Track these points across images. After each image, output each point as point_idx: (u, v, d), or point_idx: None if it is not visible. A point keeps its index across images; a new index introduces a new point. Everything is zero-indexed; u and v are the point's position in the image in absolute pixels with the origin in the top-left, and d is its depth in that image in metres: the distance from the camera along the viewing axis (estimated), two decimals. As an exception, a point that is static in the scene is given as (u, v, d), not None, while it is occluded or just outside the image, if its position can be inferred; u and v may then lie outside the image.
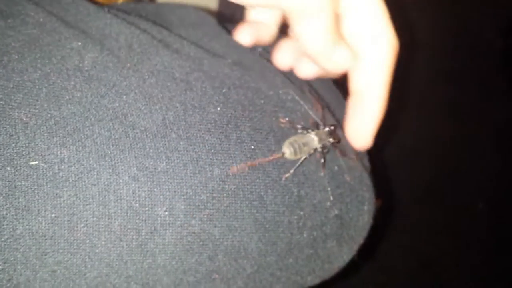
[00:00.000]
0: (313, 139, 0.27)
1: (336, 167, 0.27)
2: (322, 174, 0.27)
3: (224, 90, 0.25)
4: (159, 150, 0.22)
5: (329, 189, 0.26)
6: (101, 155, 0.21)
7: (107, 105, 0.22)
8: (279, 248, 0.25)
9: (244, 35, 0.30)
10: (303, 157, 0.26)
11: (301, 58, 0.30)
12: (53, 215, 0.21)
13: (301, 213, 0.25)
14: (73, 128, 0.21)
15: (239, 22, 0.34)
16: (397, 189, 0.81)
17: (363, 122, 0.28)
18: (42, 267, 0.21)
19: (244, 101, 0.25)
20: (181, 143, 0.22)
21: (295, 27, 0.26)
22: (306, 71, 0.30)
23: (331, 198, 0.26)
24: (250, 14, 0.32)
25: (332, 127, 0.28)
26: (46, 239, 0.21)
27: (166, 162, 0.22)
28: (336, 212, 0.27)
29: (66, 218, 0.21)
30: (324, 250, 0.27)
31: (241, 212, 0.23)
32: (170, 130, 0.22)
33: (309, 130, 0.27)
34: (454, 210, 0.84)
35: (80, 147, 0.21)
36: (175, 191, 0.22)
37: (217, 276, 0.23)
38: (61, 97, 0.21)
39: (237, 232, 0.23)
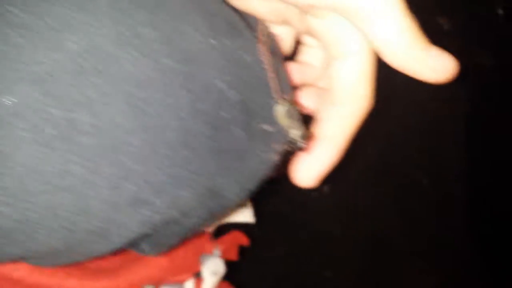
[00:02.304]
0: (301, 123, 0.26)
1: (228, 42, 0.24)
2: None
3: None
4: None
5: (224, 67, 0.23)
6: None
7: None
8: (167, 137, 0.21)
9: None
10: (295, 124, 0.25)
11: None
12: None
13: (188, 94, 0.22)
14: None
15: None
16: (338, 171, 0.83)
17: (312, 164, 0.27)
18: None
19: None
20: None
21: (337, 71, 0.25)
22: None
23: (228, 78, 0.23)
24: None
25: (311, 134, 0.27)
26: None
27: None
28: (235, 94, 0.23)
29: None
30: (228, 142, 0.23)
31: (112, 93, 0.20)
32: None
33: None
34: (398, 188, 0.87)
35: None
36: None
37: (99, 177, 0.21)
38: None
39: (106, 119, 0.20)
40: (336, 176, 0.84)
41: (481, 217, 0.91)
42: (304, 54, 0.32)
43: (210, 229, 0.40)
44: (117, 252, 0.34)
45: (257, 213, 0.76)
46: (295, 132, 0.26)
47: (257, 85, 0.25)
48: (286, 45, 0.30)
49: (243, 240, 0.43)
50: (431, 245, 0.89)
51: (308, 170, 0.27)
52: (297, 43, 0.32)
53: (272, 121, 0.26)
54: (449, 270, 0.88)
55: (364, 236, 0.85)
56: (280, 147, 0.26)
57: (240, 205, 0.33)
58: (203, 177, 0.23)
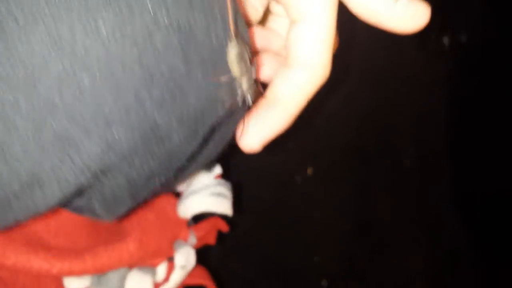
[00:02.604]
0: (252, 70, 0.24)
1: None
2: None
3: None
4: None
5: None
6: None
7: None
8: (89, 64, 0.19)
9: None
10: (243, 69, 0.23)
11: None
12: None
13: (113, 16, 0.19)
14: None
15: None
16: (321, 154, 0.83)
17: (259, 128, 0.26)
18: None
19: None
20: None
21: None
22: None
23: None
24: None
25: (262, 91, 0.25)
26: None
27: None
28: (168, 17, 0.20)
29: None
30: (162, 71, 0.21)
31: None
32: None
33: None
34: (381, 170, 0.87)
35: None
36: None
37: None
38: None
39: (21, 47, 0.19)
40: (319, 160, 0.84)
41: (466, 197, 0.91)
42: (272, 23, 0.31)
43: (184, 213, 0.39)
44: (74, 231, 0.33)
45: (241, 199, 0.76)
46: (243, 81, 0.24)
47: (204, 12, 0.22)
48: (256, 13, 0.29)
49: (222, 226, 0.43)
50: (417, 227, 0.90)
51: (254, 134, 0.26)
52: (268, 12, 0.31)
53: (221, 59, 0.23)
54: (437, 251, 0.89)
55: (350, 220, 0.85)
56: (229, 87, 0.24)
57: (203, 165, 0.31)
58: (137, 112, 0.21)
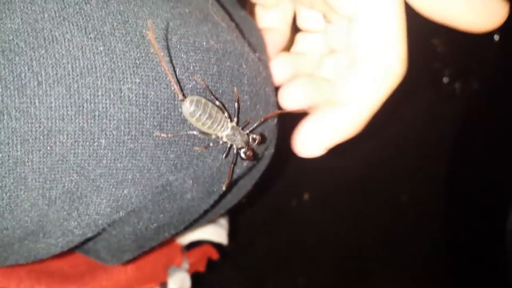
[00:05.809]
0: (227, 125, 0.22)
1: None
2: (223, 187, 0.23)
3: None
4: None
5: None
6: None
7: None
8: (108, 126, 0.19)
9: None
10: (206, 125, 0.21)
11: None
12: None
13: (138, 80, 0.20)
14: None
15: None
16: (320, 181, 0.83)
17: (326, 130, 0.24)
18: None
19: None
20: None
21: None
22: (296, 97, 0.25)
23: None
24: (262, 20, 0.28)
25: (256, 137, 0.24)
26: None
27: None
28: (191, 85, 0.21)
29: None
30: (180, 134, 0.22)
31: None
32: None
33: (228, 117, 0.23)
34: (377, 203, 0.88)
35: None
36: None
37: None
38: None
39: (39, 103, 0.19)
40: (316, 186, 0.84)
41: (458, 236, 0.92)
42: (301, 43, 0.29)
43: (182, 240, 0.40)
44: (74, 256, 0.34)
45: (235, 220, 0.77)
46: (224, 137, 0.23)
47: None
48: (282, 35, 0.28)
49: (213, 254, 0.44)
50: (406, 263, 0.90)
51: (317, 139, 0.24)
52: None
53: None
54: (422, 286, 0.89)
55: (341, 248, 0.86)
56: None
57: (217, 216, 0.32)
58: (150, 173, 0.21)
